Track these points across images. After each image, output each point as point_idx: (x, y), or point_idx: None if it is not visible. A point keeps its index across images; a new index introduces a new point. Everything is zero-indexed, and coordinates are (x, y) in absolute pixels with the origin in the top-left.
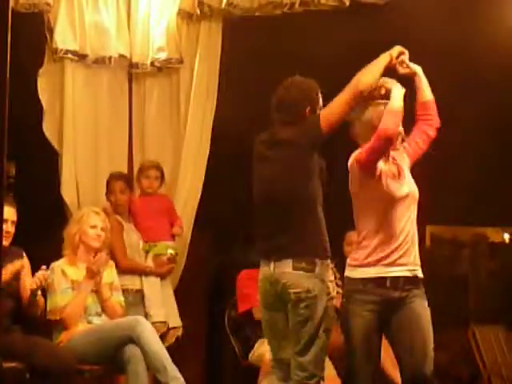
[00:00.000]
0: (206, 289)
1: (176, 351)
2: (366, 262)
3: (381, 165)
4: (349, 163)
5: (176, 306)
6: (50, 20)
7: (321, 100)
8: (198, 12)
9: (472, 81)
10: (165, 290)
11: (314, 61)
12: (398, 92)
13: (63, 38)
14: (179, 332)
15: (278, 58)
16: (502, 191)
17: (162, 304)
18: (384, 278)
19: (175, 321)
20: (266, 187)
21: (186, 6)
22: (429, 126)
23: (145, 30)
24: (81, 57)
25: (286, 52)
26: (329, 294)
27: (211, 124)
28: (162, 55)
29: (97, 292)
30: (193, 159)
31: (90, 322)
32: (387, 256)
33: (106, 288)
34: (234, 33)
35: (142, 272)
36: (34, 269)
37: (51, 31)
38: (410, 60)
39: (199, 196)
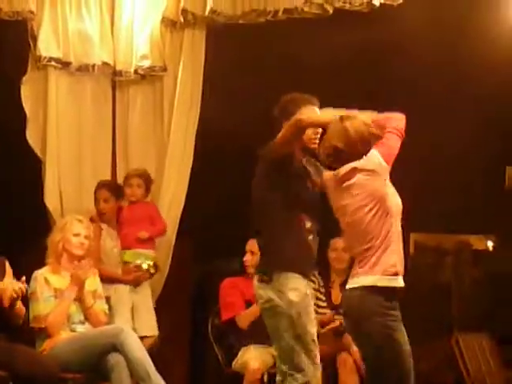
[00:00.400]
0: (189, 297)
1: (159, 359)
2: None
3: None
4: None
5: (153, 314)
6: (34, 28)
7: (309, 112)
8: (182, 20)
9: (458, 93)
10: (139, 298)
11: (299, 68)
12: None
13: (47, 45)
14: (151, 341)
15: (263, 66)
16: (485, 199)
17: (127, 312)
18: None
19: (149, 330)
20: None
21: (170, 14)
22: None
23: (128, 37)
24: (64, 64)
25: (270, 59)
26: (290, 301)
27: (195, 132)
28: (146, 63)
29: (80, 300)
30: (176, 167)
31: (73, 330)
32: None
33: (89, 296)
34: (217, 40)
35: (109, 279)
36: (17, 277)
37: (35, 39)
38: (396, 63)
39: (183, 204)
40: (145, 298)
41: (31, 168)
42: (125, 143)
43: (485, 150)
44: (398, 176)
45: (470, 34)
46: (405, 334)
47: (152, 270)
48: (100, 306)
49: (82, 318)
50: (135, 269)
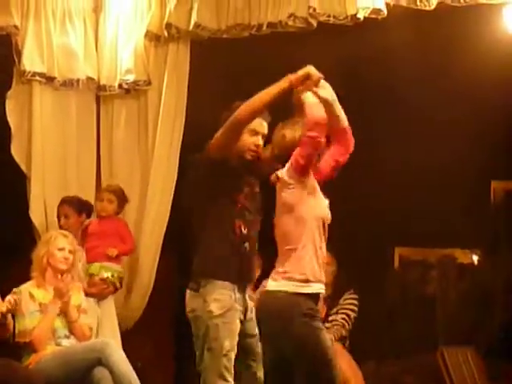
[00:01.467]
0: (173, 312)
1: (145, 374)
2: None
3: None
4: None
5: (116, 328)
6: (18, 43)
7: (256, 122)
8: (166, 34)
9: (443, 108)
10: (102, 312)
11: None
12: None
13: (31, 60)
14: None
15: (246, 79)
16: (470, 213)
17: (94, 325)
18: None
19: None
20: None
21: (154, 28)
22: (342, 153)
23: (112, 52)
24: (49, 79)
25: (254, 73)
26: (210, 312)
27: (179, 146)
28: (130, 77)
29: (65, 314)
30: (161, 181)
31: (58, 345)
32: None
33: (73, 310)
34: (202, 54)
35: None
36: (2, 291)
37: (19, 54)
38: (380, 76)
39: (167, 219)
40: (108, 312)
41: (16, 182)
42: (109, 157)
43: (470, 164)
44: (383, 190)
45: (457, 49)
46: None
47: (117, 285)
48: (85, 321)
49: (67, 332)
50: (100, 282)
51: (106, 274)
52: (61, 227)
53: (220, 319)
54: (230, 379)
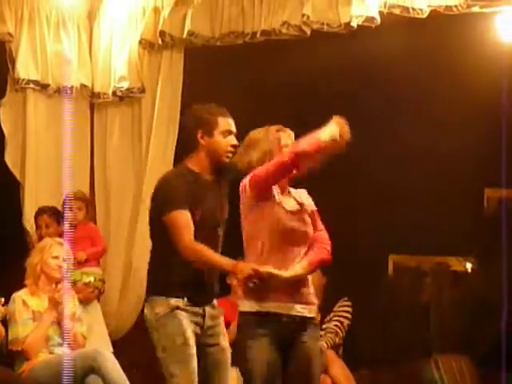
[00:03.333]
0: None
1: (139, 381)
2: None
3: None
4: None
5: (105, 332)
6: (12, 50)
7: (227, 122)
8: (160, 41)
9: (437, 116)
10: (91, 318)
11: (278, 90)
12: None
13: (25, 67)
14: None
15: (243, 88)
16: (464, 221)
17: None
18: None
19: (104, 347)
20: None
21: (148, 36)
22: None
23: (106, 59)
24: (43, 86)
25: (249, 81)
26: (157, 314)
27: (173, 153)
28: (124, 84)
29: (58, 322)
30: None
31: (51, 353)
32: None
33: (67, 319)
34: (195, 62)
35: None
36: None
37: (13, 61)
38: (375, 90)
39: None
40: (97, 318)
41: (10, 190)
42: (103, 165)
43: (463, 172)
44: (377, 197)
45: (449, 57)
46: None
47: (100, 287)
48: (79, 329)
49: (60, 340)
50: (84, 287)
51: (88, 279)
52: (41, 237)
53: (167, 318)
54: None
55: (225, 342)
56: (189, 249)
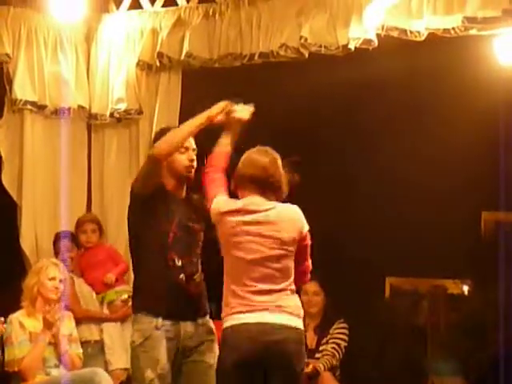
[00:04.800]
0: None
1: None
2: None
3: None
4: None
5: (127, 348)
6: (10, 71)
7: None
8: (158, 63)
9: (434, 139)
10: (128, 333)
11: (273, 112)
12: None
13: (22, 89)
14: (124, 374)
15: None
16: (461, 244)
17: (123, 350)
18: None
19: (123, 362)
20: None
21: (146, 57)
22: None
23: (104, 80)
24: (40, 108)
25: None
26: (132, 342)
27: None
28: (122, 106)
29: (55, 344)
30: None
31: (48, 374)
32: None
33: (64, 340)
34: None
35: (97, 319)
36: None
37: (11, 82)
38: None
39: None
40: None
41: (7, 211)
42: (100, 187)
43: (461, 195)
44: (374, 219)
45: (447, 79)
46: None
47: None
48: (75, 350)
49: (56, 361)
50: (122, 304)
51: (124, 296)
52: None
53: (140, 348)
54: None
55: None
56: (157, 149)
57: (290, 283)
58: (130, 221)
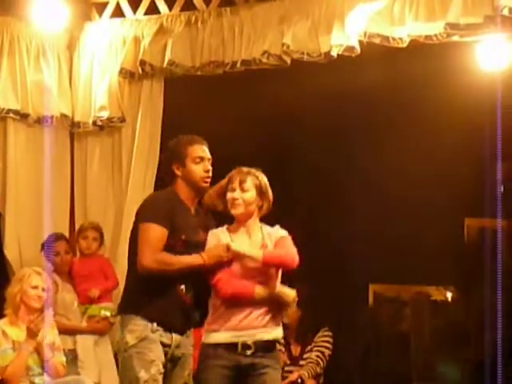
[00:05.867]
0: None
1: None
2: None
3: None
4: None
5: (114, 366)
6: None
7: (196, 149)
8: (140, 71)
9: (417, 146)
10: (100, 350)
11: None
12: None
13: (5, 97)
14: None
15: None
16: (444, 250)
17: (95, 364)
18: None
19: (112, 381)
20: None
21: (128, 65)
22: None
23: (86, 89)
24: (22, 116)
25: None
26: (126, 343)
27: (153, 183)
28: (104, 114)
29: (38, 352)
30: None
31: (32, 382)
32: None
33: (47, 348)
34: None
35: (71, 331)
36: None
37: None
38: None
39: None
40: (106, 351)
41: None
42: (83, 194)
43: (444, 202)
44: (357, 227)
45: (430, 86)
46: None
47: (113, 321)
48: (58, 359)
49: (40, 370)
50: (102, 321)
51: (105, 314)
52: (60, 263)
53: (134, 349)
54: None
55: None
56: (149, 260)
57: None
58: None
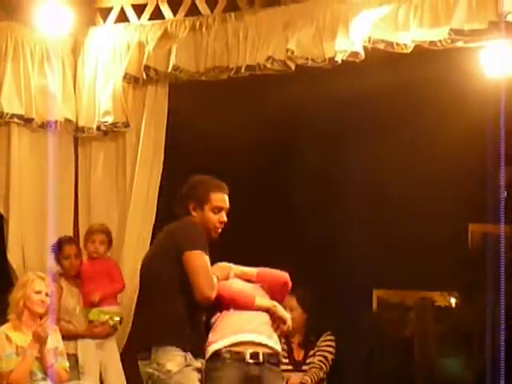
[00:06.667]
0: None
1: None
2: None
3: None
4: None
5: (121, 370)
6: None
7: (218, 198)
8: (145, 76)
9: (421, 152)
10: (106, 354)
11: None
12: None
13: (9, 102)
14: None
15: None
16: (448, 256)
17: (96, 368)
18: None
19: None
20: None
21: (132, 70)
22: None
23: (91, 93)
24: (27, 121)
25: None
26: (169, 371)
27: (157, 188)
28: (108, 119)
29: (41, 357)
30: (139, 224)
31: None
32: None
33: (50, 353)
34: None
35: (72, 336)
36: None
37: None
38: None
39: None
40: (112, 354)
41: None
42: (87, 200)
43: (448, 207)
44: (361, 232)
45: (433, 94)
46: None
47: (117, 326)
48: (61, 364)
49: (43, 375)
50: (101, 325)
51: (105, 318)
52: (70, 266)
53: (180, 375)
54: None
55: None
56: (210, 289)
57: None
58: (166, 256)
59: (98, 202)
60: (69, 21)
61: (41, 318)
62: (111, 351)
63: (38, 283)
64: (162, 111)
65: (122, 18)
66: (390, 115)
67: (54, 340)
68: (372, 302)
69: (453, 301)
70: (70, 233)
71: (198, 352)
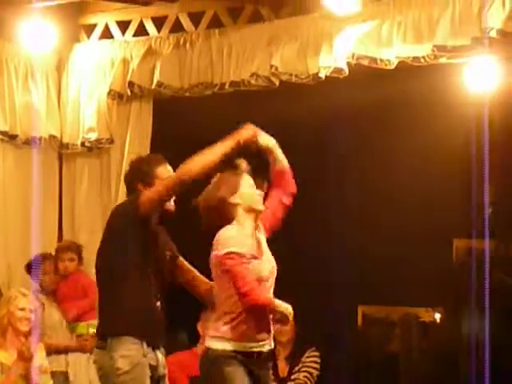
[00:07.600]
0: None
1: None
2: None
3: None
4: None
5: None
6: None
7: (166, 171)
8: (129, 92)
9: (404, 167)
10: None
11: None
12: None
13: None
14: None
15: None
16: (433, 271)
17: (87, 382)
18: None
19: None
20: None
21: (117, 87)
22: (284, 193)
23: (75, 110)
24: (11, 137)
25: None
26: (118, 369)
27: None
28: (93, 135)
29: (26, 375)
30: None
31: None
32: None
33: (35, 371)
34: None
35: (61, 350)
36: None
37: None
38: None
39: None
40: None
41: None
42: (71, 216)
43: (432, 223)
44: (346, 248)
45: (417, 110)
46: None
47: None
48: (45, 381)
49: None
50: (91, 339)
51: (93, 331)
52: (49, 282)
53: (128, 376)
54: None
55: None
56: (187, 168)
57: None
58: (118, 239)
59: (82, 218)
60: (53, 37)
61: (25, 336)
62: None
63: (21, 300)
64: (147, 127)
65: (107, 34)
66: (372, 132)
67: (39, 357)
68: (357, 317)
69: (437, 316)
70: (54, 248)
71: (156, 343)
